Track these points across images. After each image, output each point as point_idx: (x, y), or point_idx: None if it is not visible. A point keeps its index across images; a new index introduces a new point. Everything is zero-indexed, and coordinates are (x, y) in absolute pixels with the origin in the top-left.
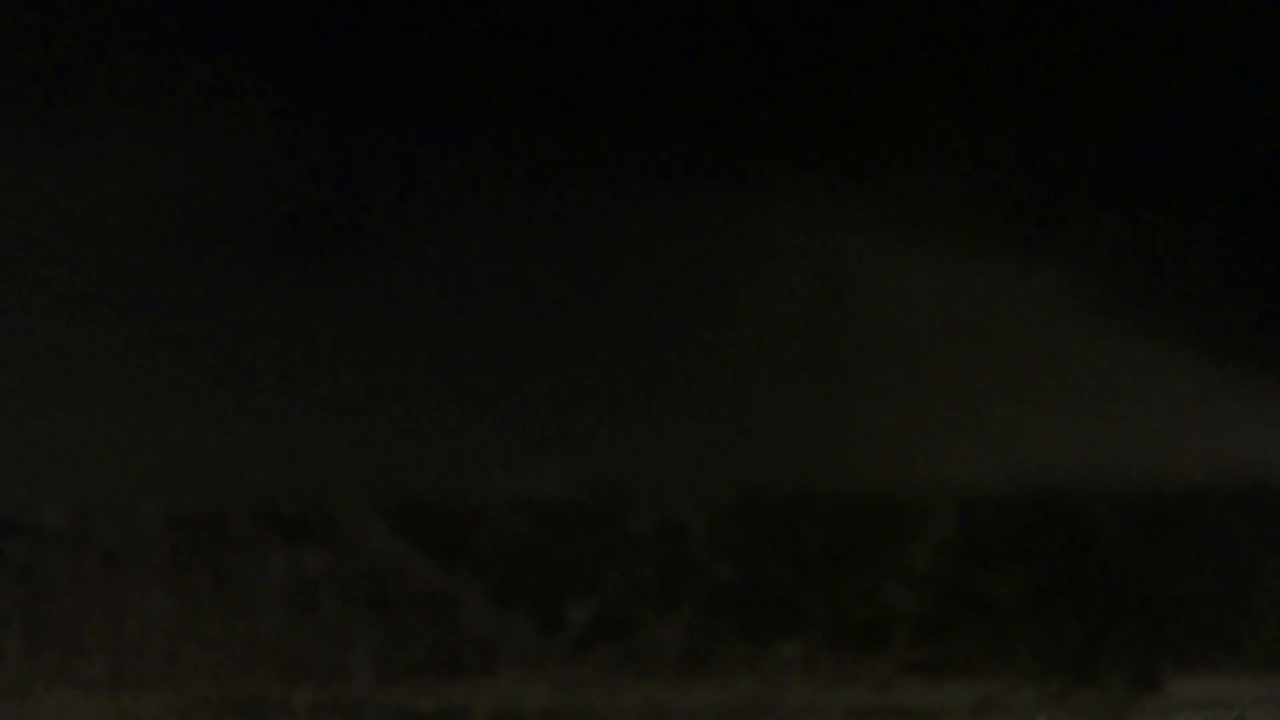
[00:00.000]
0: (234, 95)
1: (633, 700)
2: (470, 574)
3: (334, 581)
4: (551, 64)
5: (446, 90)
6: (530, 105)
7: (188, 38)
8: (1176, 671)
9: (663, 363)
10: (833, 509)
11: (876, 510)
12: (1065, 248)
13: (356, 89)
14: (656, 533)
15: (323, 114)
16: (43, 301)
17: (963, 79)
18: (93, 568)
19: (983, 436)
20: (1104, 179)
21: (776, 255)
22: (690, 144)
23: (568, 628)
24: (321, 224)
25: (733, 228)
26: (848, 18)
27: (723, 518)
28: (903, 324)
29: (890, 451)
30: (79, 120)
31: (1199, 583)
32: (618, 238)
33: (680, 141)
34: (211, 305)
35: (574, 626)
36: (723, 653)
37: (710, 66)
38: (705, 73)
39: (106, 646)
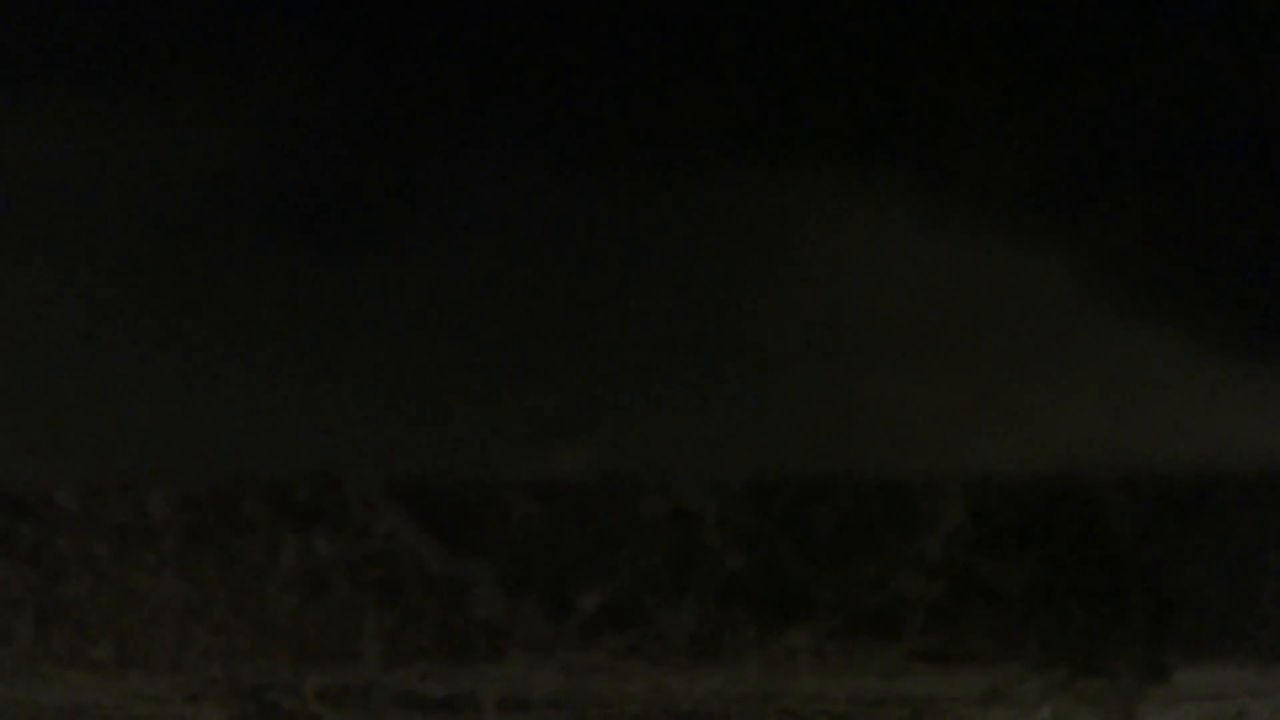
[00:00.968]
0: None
1: (641, 687)
2: (480, 559)
3: (344, 565)
4: (581, 38)
5: (474, 67)
6: (549, 84)
7: (202, 23)
8: (1183, 661)
9: (675, 348)
10: (844, 497)
11: (887, 498)
12: (1078, 234)
13: (378, 64)
14: (668, 519)
15: (343, 84)
16: (52, 283)
17: (987, 62)
18: (102, 550)
19: (995, 425)
20: (1121, 164)
21: (790, 241)
22: (698, 130)
23: (577, 614)
24: (334, 203)
25: (746, 214)
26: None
27: (734, 505)
28: (915, 312)
29: (902, 439)
30: (95, 102)
31: (1208, 573)
32: (633, 223)
33: (689, 128)
34: (224, 286)
35: (583, 613)
36: (732, 640)
37: (732, 45)
38: (727, 52)
39: (116, 629)
